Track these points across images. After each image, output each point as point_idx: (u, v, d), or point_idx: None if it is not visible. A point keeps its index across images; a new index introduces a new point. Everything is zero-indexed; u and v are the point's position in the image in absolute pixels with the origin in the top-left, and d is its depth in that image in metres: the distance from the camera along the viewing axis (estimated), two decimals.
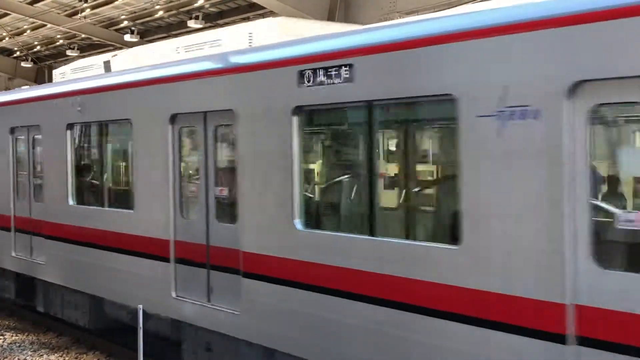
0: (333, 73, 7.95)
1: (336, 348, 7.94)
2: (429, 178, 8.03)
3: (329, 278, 8.00)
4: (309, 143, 8.93)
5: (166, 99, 10.55)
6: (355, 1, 27.06)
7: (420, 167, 8.15)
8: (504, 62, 6.32)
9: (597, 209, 5.85)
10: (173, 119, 10.41)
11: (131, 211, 11.25)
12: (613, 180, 6.07)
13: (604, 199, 5.97)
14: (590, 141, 5.86)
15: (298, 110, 8.53)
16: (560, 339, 5.80)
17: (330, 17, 26.86)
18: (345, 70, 7.81)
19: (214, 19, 34.09)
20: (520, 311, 6.13)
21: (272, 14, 30.10)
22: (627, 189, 5.98)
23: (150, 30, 38.20)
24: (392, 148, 8.35)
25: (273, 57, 9.05)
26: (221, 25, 33.92)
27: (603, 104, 5.73)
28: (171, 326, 10.68)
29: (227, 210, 9.66)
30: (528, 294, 6.06)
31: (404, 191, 8.00)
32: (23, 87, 16.03)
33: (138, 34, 37.17)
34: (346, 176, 8.76)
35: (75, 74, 14.03)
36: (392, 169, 8.25)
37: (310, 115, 8.63)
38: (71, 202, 12.90)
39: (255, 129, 9.10)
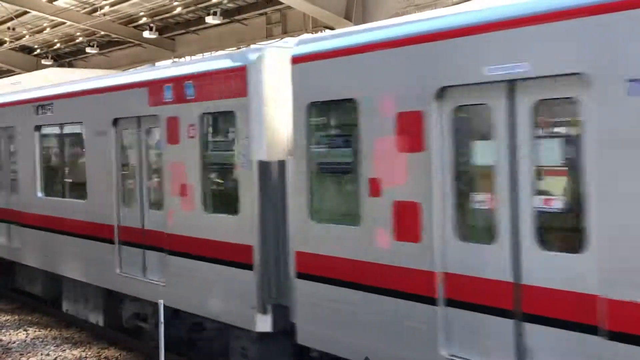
0: (47, 108, 14.47)
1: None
2: (78, 161, 14.11)
3: (53, 222, 14.29)
4: (43, 146, 15.13)
5: None
6: None
7: (79, 159, 14.06)
8: (95, 109, 12.81)
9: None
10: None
11: None
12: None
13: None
14: (120, 144, 12.25)
15: (37, 127, 14.93)
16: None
17: (348, 9, 26.94)
18: (50, 107, 14.36)
19: (232, 14, 33.90)
20: (100, 229, 12.77)
21: (289, 9, 30.44)
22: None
23: (168, 27, 37.87)
24: (71, 149, 14.60)
25: (24, 98, 15.61)
26: (239, 21, 33.93)
27: (124, 129, 12.15)
28: None
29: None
30: (106, 222, 12.51)
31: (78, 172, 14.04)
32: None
33: (157, 30, 37.26)
34: (59, 164, 14.75)
35: None
36: (72, 160, 14.57)
37: (42, 130, 14.97)
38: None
39: (22, 137, 15.54)
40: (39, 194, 14.87)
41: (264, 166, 9.28)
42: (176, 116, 10.72)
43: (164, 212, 11.07)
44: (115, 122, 12.25)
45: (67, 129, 14.24)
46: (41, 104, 14.57)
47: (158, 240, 11.26)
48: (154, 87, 11.22)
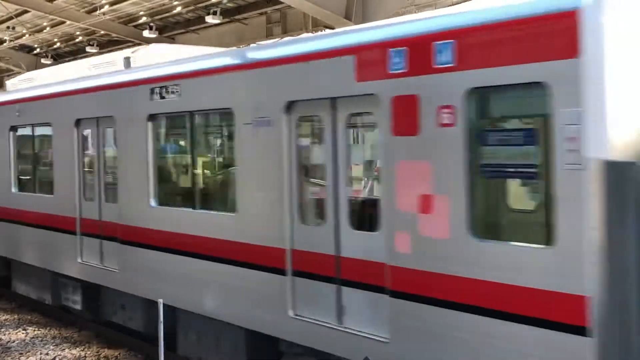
0: (171, 91, 10.80)
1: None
2: (222, 162, 10.92)
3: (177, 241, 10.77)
4: (161, 140, 11.62)
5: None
6: None
7: (223, 159, 10.88)
8: (255, 89, 9.26)
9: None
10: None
11: None
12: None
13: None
14: (297, 137, 8.77)
15: (151, 116, 11.26)
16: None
17: (348, 9, 26.34)
18: (175, 89, 10.68)
19: (232, 14, 33.72)
20: (260, 253, 9.33)
21: (289, 8, 29.73)
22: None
23: (168, 26, 38.05)
24: (210, 144, 11.23)
25: (131, 79, 11.90)
26: (239, 20, 33.83)
27: (303, 116, 8.73)
28: None
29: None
30: (271, 244, 9.04)
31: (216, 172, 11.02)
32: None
33: (157, 29, 36.82)
34: (188, 165, 11.00)
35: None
36: (210, 160, 11.07)
37: (159, 120, 11.36)
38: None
39: (126, 130, 11.90)
40: (153, 203, 11.39)
41: (615, 170, 5.81)
42: (413, 94, 7.25)
43: (384, 234, 7.62)
44: (290, 106, 8.78)
45: (203, 118, 10.75)
46: (161, 85, 11.06)
47: (370, 275, 7.83)
48: (369, 53, 7.74)
